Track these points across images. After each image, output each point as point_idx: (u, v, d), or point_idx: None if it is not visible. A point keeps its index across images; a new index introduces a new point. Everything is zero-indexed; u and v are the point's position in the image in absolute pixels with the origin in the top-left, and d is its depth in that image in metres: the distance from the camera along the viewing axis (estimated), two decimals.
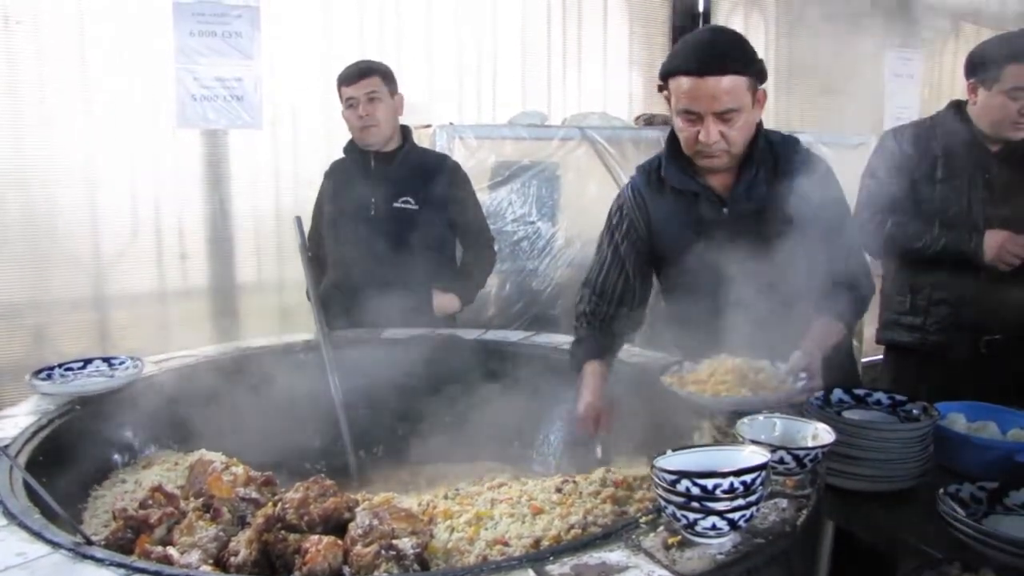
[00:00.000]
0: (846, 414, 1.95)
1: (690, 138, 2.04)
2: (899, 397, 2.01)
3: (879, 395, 2.03)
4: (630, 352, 2.42)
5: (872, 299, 2.26)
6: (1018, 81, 2.59)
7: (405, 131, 3.17)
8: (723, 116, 1.98)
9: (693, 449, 1.40)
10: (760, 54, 2.10)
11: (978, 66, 2.70)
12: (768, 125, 2.27)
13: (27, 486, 1.51)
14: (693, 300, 2.15)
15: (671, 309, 2.39)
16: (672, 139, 2.18)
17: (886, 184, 2.79)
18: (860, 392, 2.05)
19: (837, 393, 2.04)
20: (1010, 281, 2.65)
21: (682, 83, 1.98)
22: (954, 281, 2.75)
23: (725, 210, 2.13)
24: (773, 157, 2.13)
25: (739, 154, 2.08)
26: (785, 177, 2.09)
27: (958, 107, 2.81)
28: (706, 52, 1.98)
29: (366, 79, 3.01)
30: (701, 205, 2.16)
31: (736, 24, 5.30)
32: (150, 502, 1.56)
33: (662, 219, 2.23)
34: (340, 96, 3.06)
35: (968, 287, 2.73)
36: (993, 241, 2.62)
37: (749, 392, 1.85)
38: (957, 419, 2.04)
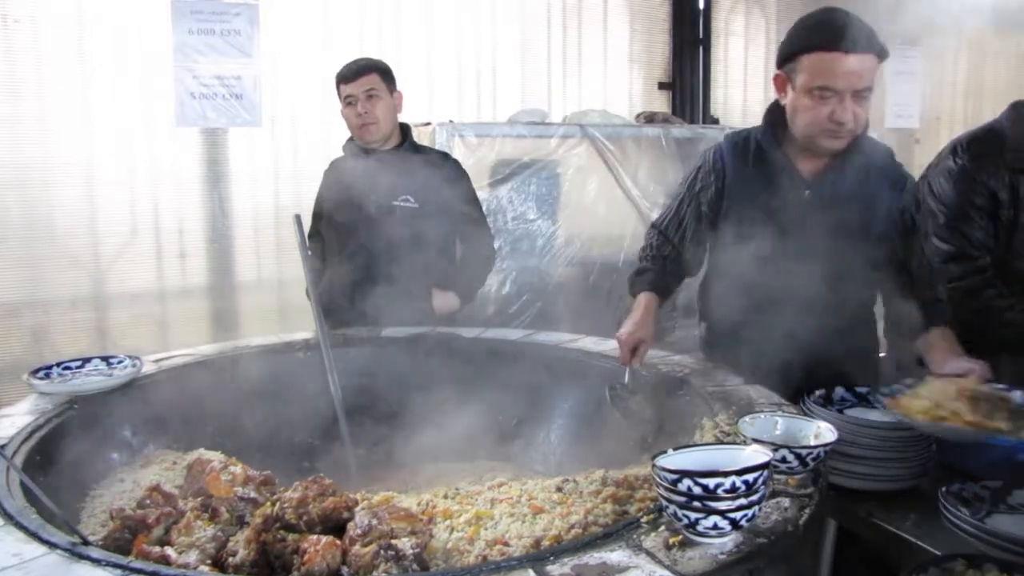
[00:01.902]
0: (848, 412, 1.94)
1: (820, 117, 2.01)
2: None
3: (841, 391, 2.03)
4: None
5: None
6: None
7: (404, 129, 3.16)
8: (859, 94, 1.97)
9: (695, 448, 1.39)
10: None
11: None
12: None
13: (24, 486, 1.50)
14: (744, 272, 2.14)
15: (713, 276, 2.39)
16: (772, 113, 2.20)
17: (974, 230, 2.47)
18: (862, 390, 2.04)
19: (839, 391, 2.03)
20: None
21: (824, 59, 1.95)
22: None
23: (808, 192, 2.13)
24: (865, 156, 2.13)
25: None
26: (874, 178, 2.11)
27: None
28: (849, 30, 1.94)
29: (364, 76, 3.00)
30: (784, 183, 2.16)
31: (737, 22, 5.29)
32: (148, 502, 1.55)
33: (739, 189, 2.24)
34: (339, 94, 3.05)
35: None
36: None
37: (1004, 424, 1.72)
38: None
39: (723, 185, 2.26)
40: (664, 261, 2.35)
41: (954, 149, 2.52)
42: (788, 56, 2.05)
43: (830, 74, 1.95)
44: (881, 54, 1.98)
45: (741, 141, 2.28)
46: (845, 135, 2.03)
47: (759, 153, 2.21)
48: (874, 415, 1.95)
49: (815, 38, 1.99)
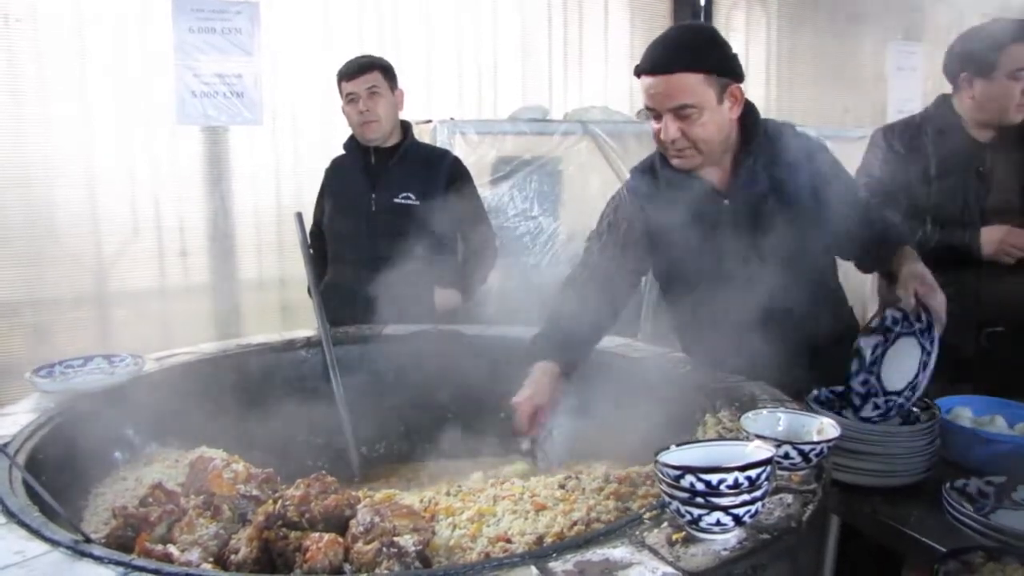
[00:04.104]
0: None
1: (656, 135, 2.06)
2: None
3: None
4: (633, 347, 2.41)
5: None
6: (1019, 62, 2.57)
7: (405, 126, 3.16)
8: (679, 113, 1.97)
9: (697, 444, 1.38)
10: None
11: (969, 57, 2.67)
12: (770, 118, 2.25)
13: (26, 484, 1.50)
14: (699, 296, 2.14)
15: (674, 308, 2.37)
16: None
17: (877, 182, 2.78)
18: (839, 389, 2.02)
19: (824, 392, 2.01)
20: (1010, 273, 2.63)
21: (643, 81, 2.01)
22: (953, 276, 2.73)
23: (727, 201, 2.11)
24: (770, 145, 2.11)
25: (710, 152, 2.06)
26: (784, 163, 2.08)
27: (945, 101, 2.79)
28: (658, 50, 2.00)
29: (367, 74, 2.99)
30: (700, 199, 2.13)
31: (738, 18, 5.28)
32: (150, 500, 1.55)
33: (661, 217, 2.20)
34: (340, 91, 3.05)
35: (968, 281, 2.70)
36: (993, 236, 2.60)
37: None
38: (963, 413, 2.03)
39: (646, 220, 2.21)
40: (566, 321, 2.17)
41: (885, 134, 2.83)
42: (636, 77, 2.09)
43: (646, 94, 2.02)
44: (721, 72, 1.99)
45: (647, 169, 2.25)
46: (683, 152, 2.04)
47: (666, 176, 2.18)
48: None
49: (640, 61, 2.04)
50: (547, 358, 2.10)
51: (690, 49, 1.98)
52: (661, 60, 1.97)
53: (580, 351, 2.19)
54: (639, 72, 2.02)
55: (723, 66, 2.01)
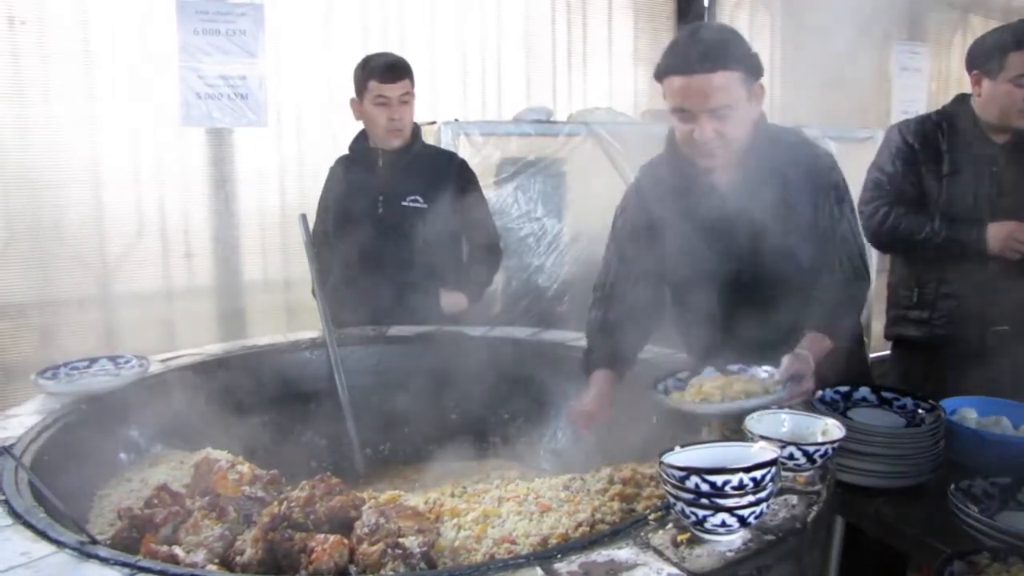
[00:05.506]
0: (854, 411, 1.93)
1: (685, 136, 2.02)
2: (886, 393, 1.99)
3: (864, 391, 2.02)
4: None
5: (867, 297, 2.21)
6: (1021, 68, 2.59)
7: (414, 129, 3.15)
8: (717, 113, 1.95)
9: (702, 445, 1.38)
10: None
11: (981, 56, 2.70)
12: (773, 119, 2.24)
13: (32, 485, 1.50)
14: (698, 296, 2.14)
15: (677, 307, 2.37)
16: (672, 135, 2.17)
17: (890, 177, 2.81)
18: (844, 390, 2.02)
19: (828, 393, 2.01)
20: (1016, 272, 2.63)
21: (674, 82, 1.97)
22: (960, 273, 2.74)
23: (727, 204, 2.12)
24: (775, 150, 2.10)
25: (738, 151, 2.05)
26: (786, 170, 2.07)
27: (964, 100, 2.81)
28: (694, 49, 1.96)
29: (402, 80, 2.94)
30: (702, 200, 2.13)
31: (741, 17, 5.27)
32: (155, 501, 1.55)
33: (665, 216, 2.20)
34: (365, 88, 2.96)
35: (974, 279, 2.71)
36: (1000, 232, 2.60)
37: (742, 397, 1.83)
38: (968, 414, 2.02)
39: (651, 218, 2.21)
40: (612, 331, 2.20)
41: (900, 130, 2.86)
42: (657, 80, 2.05)
43: (680, 95, 1.97)
44: (751, 70, 1.97)
45: (655, 170, 2.26)
46: (714, 152, 2.02)
47: (676, 176, 2.17)
48: (882, 414, 1.94)
49: (666, 61, 2.00)
50: (601, 368, 2.14)
51: (727, 48, 1.96)
52: (701, 59, 1.93)
53: (629, 355, 2.22)
54: (670, 72, 1.98)
55: (752, 64, 1.99)
